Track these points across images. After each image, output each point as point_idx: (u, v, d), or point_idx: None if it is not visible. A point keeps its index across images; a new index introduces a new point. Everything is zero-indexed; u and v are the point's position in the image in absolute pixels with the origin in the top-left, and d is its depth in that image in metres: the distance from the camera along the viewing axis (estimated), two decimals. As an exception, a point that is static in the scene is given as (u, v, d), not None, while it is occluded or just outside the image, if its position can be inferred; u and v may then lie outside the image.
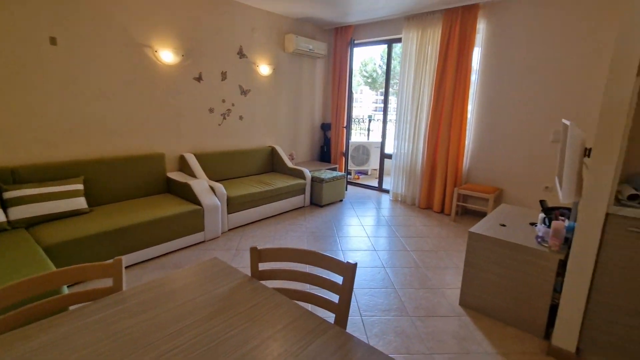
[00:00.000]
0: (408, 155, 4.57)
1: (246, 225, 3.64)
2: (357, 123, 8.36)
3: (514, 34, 3.63)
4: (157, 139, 3.49)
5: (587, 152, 1.89)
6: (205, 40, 3.73)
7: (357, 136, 8.18)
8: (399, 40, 4.63)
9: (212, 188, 3.32)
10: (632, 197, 1.59)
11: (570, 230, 2.00)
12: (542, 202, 2.10)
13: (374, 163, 6.18)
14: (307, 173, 4.31)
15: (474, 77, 3.94)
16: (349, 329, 2.01)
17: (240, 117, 4.28)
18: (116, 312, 1.00)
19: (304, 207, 4.36)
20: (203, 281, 1.18)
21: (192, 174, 3.57)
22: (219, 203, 3.23)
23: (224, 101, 4.05)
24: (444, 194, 4.25)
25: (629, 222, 1.57)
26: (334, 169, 5.20)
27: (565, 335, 1.81)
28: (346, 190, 5.16)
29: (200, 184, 3.24)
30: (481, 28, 3.85)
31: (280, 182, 4.03)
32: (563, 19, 3.32)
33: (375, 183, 5.51)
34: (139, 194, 3.26)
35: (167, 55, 3.39)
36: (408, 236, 3.48)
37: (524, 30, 3.56)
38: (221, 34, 3.87)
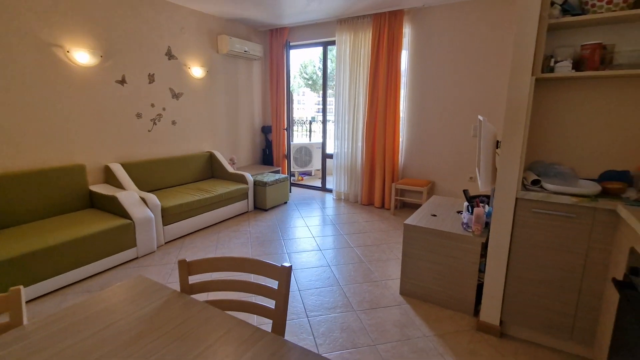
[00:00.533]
0: (348, 155, 4.70)
1: (186, 237, 3.44)
2: (300, 125, 8.41)
3: (435, 38, 3.93)
4: (76, 149, 3.14)
5: (498, 145, 2.11)
6: (128, 40, 3.45)
7: (300, 138, 8.23)
8: (333, 42, 4.75)
9: (143, 199, 3.07)
10: (534, 182, 1.81)
11: (490, 215, 2.21)
12: (465, 192, 2.30)
13: (316, 164, 6.25)
14: (249, 177, 4.22)
15: (403, 78, 4.19)
16: (296, 332, 2.00)
17: (173, 122, 4.04)
18: (14, 351, 0.86)
19: (248, 212, 4.25)
20: (125, 303, 1.08)
21: (120, 186, 3.27)
22: (152, 215, 3.01)
23: (153, 105, 3.78)
24: (384, 189, 4.45)
25: (533, 204, 1.78)
26: (277, 172, 5.16)
27: (490, 311, 2.00)
28: (290, 192, 5.14)
29: (129, 196, 2.98)
30: (407, 32, 4.11)
31: (221, 188, 3.88)
32: (476, 24, 3.68)
33: (319, 183, 5.57)
34: (56, 211, 2.90)
35: (82, 56, 3.07)
36: (351, 233, 3.57)
37: (444, 34, 3.88)
38: (146, 33, 3.61)
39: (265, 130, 5.47)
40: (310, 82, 19.51)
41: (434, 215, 2.45)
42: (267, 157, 5.48)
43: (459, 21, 3.77)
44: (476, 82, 3.77)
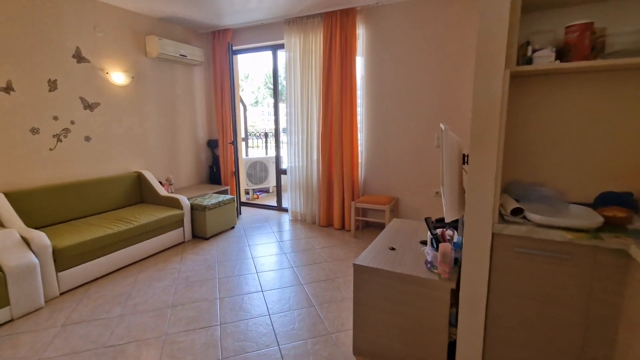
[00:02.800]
0: (303, 169, 4.18)
1: (94, 282, 2.74)
2: (257, 138, 7.81)
3: (392, 39, 3.55)
4: None
5: (465, 159, 1.65)
6: (15, 36, 2.76)
7: (259, 151, 7.61)
8: (283, 46, 4.26)
9: (26, 240, 2.36)
10: (515, 212, 1.36)
11: (459, 247, 1.75)
12: (427, 221, 1.83)
13: (274, 180, 5.68)
14: (185, 201, 3.57)
15: (359, 83, 3.76)
16: None
17: (87, 138, 3.34)
18: None
19: (184, 242, 3.59)
20: None
21: None
22: (36, 260, 2.30)
23: (56, 118, 3.08)
24: (343, 208, 3.95)
25: (515, 241, 1.32)
26: (225, 192, 4.53)
27: (466, 382, 1.51)
28: (239, 214, 4.53)
29: (3, 238, 2.27)
30: (361, 33, 3.69)
31: (147, 216, 3.21)
32: (433, 24, 3.32)
33: (275, 202, 5.00)
34: None
35: (-60, 57, 2.36)
36: (304, 264, 3.02)
37: (401, 34, 3.50)
38: (44, 30, 2.93)
39: (212, 144, 4.85)
40: (273, 102, 19.15)
41: (393, 249, 1.95)
42: (214, 174, 4.85)
43: (415, 20, 3.40)
44: (438, 86, 3.39)
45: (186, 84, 4.46)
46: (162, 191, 3.69)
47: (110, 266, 2.85)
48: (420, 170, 3.62)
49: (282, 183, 4.81)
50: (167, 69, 4.15)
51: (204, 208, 3.57)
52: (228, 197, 3.93)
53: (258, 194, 5.68)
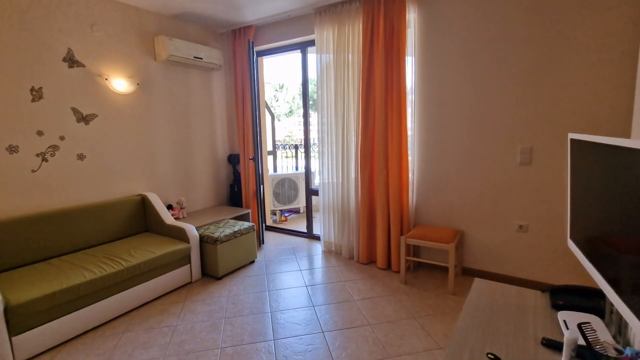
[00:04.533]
0: (338, 189, 3.39)
1: (63, 346, 2.11)
2: (290, 149, 7.14)
3: (455, 27, 2.68)
4: None
5: None
6: (-12, 37, 2.28)
7: (288, 163, 6.91)
8: (312, 42, 3.56)
9: (-31, 296, 1.78)
10: None
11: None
12: (553, 293, 0.94)
13: (304, 200, 4.94)
14: (193, 231, 2.91)
15: (410, 85, 2.92)
16: None
17: (81, 157, 2.81)
18: None
19: (191, 283, 2.92)
20: None
21: (-47, 266, 2.00)
22: (-26, 327, 1.70)
23: (41, 134, 2.56)
24: (389, 242, 3.09)
25: None
26: (246, 217, 3.85)
27: None
28: (262, 243, 3.81)
29: None
30: (412, 19, 2.87)
31: (145, 252, 2.58)
32: (515, 6, 2.42)
33: (305, 227, 4.23)
34: None
35: None
36: (339, 327, 2.20)
37: (467, 22, 2.62)
38: (25, 27, 2.44)
39: (233, 160, 4.22)
40: (311, 102, 18.54)
41: (493, 357, 1.08)
42: (235, 195, 4.20)
43: (492, 2, 2.53)
44: (523, 90, 2.47)
45: (203, 91, 3.88)
46: (168, 218, 3.07)
47: (88, 322, 2.22)
48: (494, 195, 2.68)
49: (313, 203, 4.05)
50: (180, 74, 3.59)
51: (215, 241, 2.89)
52: (247, 224, 3.23)
53: (287, 215, 4.96)
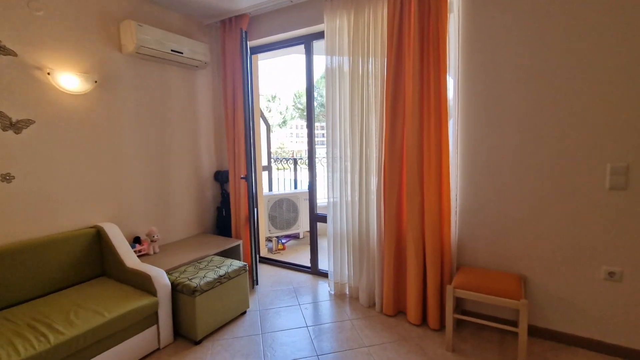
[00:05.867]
0: (352, 216, 2.67)
1: None
2: (284, 163, 6.41)
3: (515, 10, 2.04)
4: None
5: None
6: None
7: (286, 175, 6.13)
8: (320, 35, 2.90)
9: None
10: None
11: None
12: None
13: (306, 223, 4.21)
14: (162, 278, 2.14)
15: (451, 84, 2.25)
16: None
17: (6, 178, 2.04)
18: None
19: (159, 351, 2.13)
20: None
21: None
22: None
23: (-59, 146, 1.79)
24: (424, 287, 2.36)
25: None
26: (236, 249, 3.08)
27: None
28: (255, 284, 3.03)
29: None
30: (455, 1, 2.23)
31: (91, 314, 1.81)
32: (608, -37, 1.79)
33: (308, 259, 3.47)
34: None
35: None
36: None
37: (533, 6, 1.99)
38: None
39: (221, 177, 3.47)
40: (305, 114, 17.85)
41: None
42: (223, 220, 3.44)
43: (565, -37, 1.89)
44: (616, 80, 1.82)
45: (184, 94, 3.16)
46: (130, 258, 2.29)
47: None
48: (572, 230, 1.99)
49: (318, 227, 3.30)
50: (154, 72, 2.87)
51: (193, 291, 2.12)
52: (236, 265, 2.47)
53: (284, 242, 4.19)
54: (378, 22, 2.43)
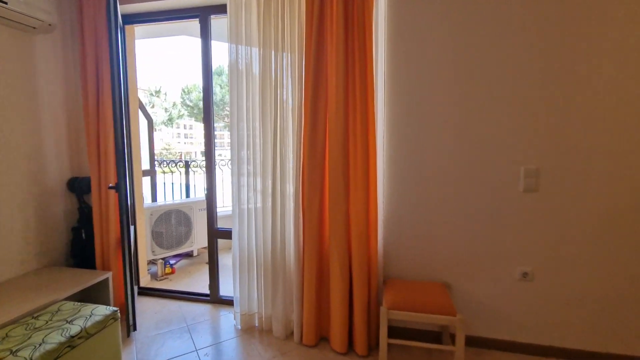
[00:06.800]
0: (263, 230, 2.22)
1: None
2: (174, 166, 5.41)
3: (444, 4, 1.95)
4: None
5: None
6: None
7: (171, 190, 5.15)
8: (221, 9, 2.36)
9: None
10: None
11: None
12: None
13: (202, 238, 3.53)
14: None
15: (380, 80, 2.03)
16: None
17: None
18: None
19: None
20: None
21: None
22: None
23: None
24: (350, 308, 2.07)
25: None
26: (102, 285, 2.23)
27: None
28: (132, 330, 2.26)
29: None
30: (376, -12, 2.02)
31: None
32: (520, -29, 1.83)
33: (205, 283, 2.82)
34: None
35: None
36: None
37: (455, -10, 1.92)
38: None
39: (79, 187, 2.54)
40: (195, 112, 16.15)
41: None
42: (83, 246, 2.51)
43: (484, -35, 1.88)
44: (533, 85, 1.87)
45: (14, 67, 2.16)
46: None
47: None
48: (491, 233, 1.99)
49: (221, 243, 2.71)
50: (-49, 26, 1.84)
51: (18, 371, 1.33)
52: (100, 312, 1.72)
53: (173, 263, 3.40)
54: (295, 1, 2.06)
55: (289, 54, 2.07)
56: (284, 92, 2.10)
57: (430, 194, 2.05)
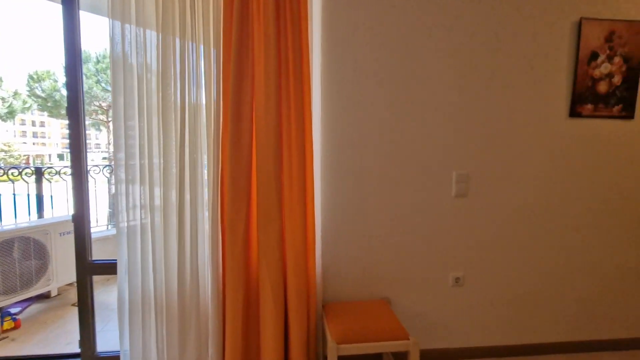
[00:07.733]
0: (164, 260, 1.67)
1: None
2: (18, 173, 3.98)
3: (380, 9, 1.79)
4: None
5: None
6: None
7: (12, 208, 3.75)
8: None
9: None
10: None
11: None
12: None
13: (64, 274, 2.60)
14: None
15: (317, 76, 1.74)
16: None
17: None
18: None
19: None
20: None
21: None
22: None
23: None
24: (286, 345, 1.72)
25: None
26: None
27: None
28: None
29: None
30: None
31: None
32: (453, -24, 1.81)
33: (72, 337, 2.02)
34: None
35: None
36: None
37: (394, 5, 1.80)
38: None
39: None
40: (49, 105, 12.90)
41: None
42: None
43: (419, -36, 1.80)
44: (461, 98, 1.87)
45: None
46: None
47: None
48: (427, 240, 1.93)
49: (95, 278, 1.97)
50: None
51: None
52: None
53: (15, 313, 2.38)
54: (206, -37, 1.60)
55: (201, 44, 1.60)
56: (194, 88, 1.62)
57: (367, 204, 1.87)
